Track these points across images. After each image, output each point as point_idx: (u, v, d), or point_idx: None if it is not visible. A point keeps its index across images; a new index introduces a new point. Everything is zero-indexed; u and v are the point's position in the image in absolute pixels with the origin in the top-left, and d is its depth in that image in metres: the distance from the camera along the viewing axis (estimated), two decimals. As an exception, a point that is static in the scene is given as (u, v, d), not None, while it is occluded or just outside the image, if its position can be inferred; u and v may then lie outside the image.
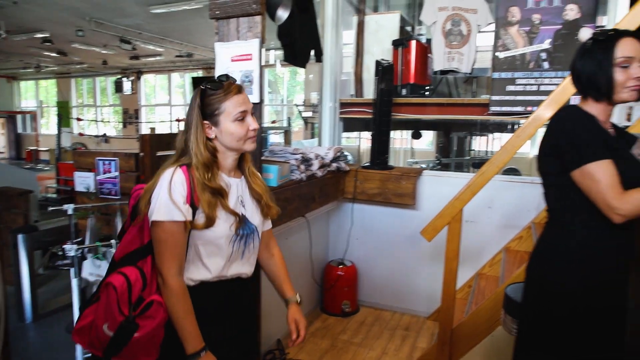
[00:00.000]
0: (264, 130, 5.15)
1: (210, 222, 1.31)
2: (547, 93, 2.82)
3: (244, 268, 1.46)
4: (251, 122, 1.38)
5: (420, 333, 3.29)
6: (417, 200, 3.42)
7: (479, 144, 6.30)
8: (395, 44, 3.68)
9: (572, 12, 2.99)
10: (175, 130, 11.87)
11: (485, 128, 4.49)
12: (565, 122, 1.42)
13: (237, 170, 1.47)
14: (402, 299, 3.62)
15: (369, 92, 3.85)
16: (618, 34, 1.39)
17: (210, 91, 1.35)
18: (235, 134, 1.36)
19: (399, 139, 7.57)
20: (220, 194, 1.34)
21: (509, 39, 3.14)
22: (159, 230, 1.27)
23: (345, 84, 4.23)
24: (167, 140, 4.51)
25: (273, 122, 11.54)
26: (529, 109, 3.09)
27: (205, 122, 1.35)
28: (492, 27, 3.29)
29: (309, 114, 7.92)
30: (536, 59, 3.10)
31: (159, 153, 4.07)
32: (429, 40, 3.84)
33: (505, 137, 4.07)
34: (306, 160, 2.87)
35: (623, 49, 1.36)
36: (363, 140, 5.33)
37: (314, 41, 3.44)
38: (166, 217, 1.25)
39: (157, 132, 11.86)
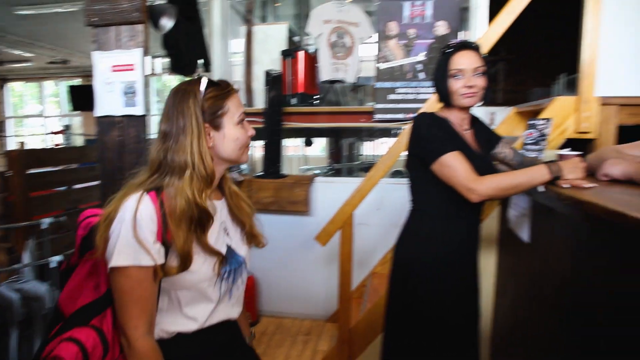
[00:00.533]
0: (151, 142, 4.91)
1: (186, 265, 1.04)
2: (424, 101, 3.07)
3: (232, 311, 1.22)
4: (249, 127, 1.19)
5: (321, 336, 3.37)
6: (311, 206, 3.50)
7: (368, 148, 6.64)
8: (284, 54, 3.74)
9: (441, 27, 3.29)
10: (50, 144, 10.78)
11: (372, 134, 4.75)
12: (421, 125, 1.64)
13: (217, 190, 1.22)
14: (302, 305, 3.67)
15: (260, 102, 3.87)
16: (456, 48, 1.62)
17: (211, 86, 1.12)
18: (240, 139, 1.14)
19: (292, 146, 7.69)
20: (202, 223, 1.07)
21: (389, 51, 3.36)
22: (121, 279, 0.99)
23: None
24: (40, 157, 4.11)
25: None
26: (408, 115, 3.33)
27: (205, 125, 1.09)
28: (375, 39, 3.50)
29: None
30: (413, 70, 3.35)
31: (31, 171, 3.69)
32: (317, 51, 3.97)
33: (391, 141, 4.34)
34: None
35: (456, 61, 1.60)
36: (256, 150, 5.32)
37: (201, 50, 3.38)
38: (130, 261, 0.98)
39: (28, 147, 10.69)
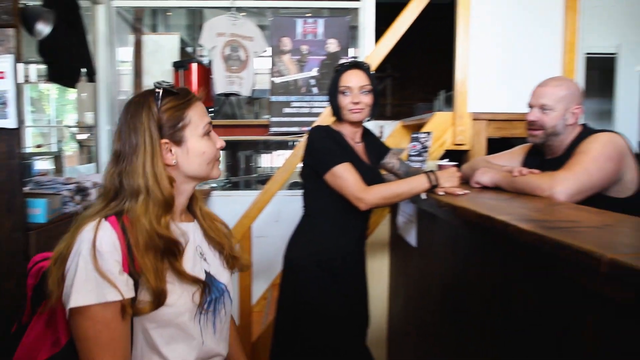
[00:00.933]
0: (27, 157, 4.45)
1: (160, 300, 0.89)
2: (318, 114, 3.17)
3: (219, 347, 1.05)
4: (217, 139, 1.06)
5: (222, 354, 3.28)
6: (209, 221, 3.42)
7: (265, 161, 6.65)
8: (176, 65, 3.63)
9: (332, 45, 3.44)
10: None
11: (269, 146, 4.78)
12: (315, 137, 1.73)
13: (186, 211, 1.08)
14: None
15: (152, 114, 3.70)
16: (346, 67, 1.75)
17: (168, 96, 0.97)
18: (208, 154, 1.01)
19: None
20: (172, 251, 0.93)
21: (283, 65, 3.43)
22: (83, 322, 0.83)
23: (124, 104, 3.97)
24: None
25: (38, 146, 10.00)
26: (304, 128, 3.42)
27: (164, 140, 0.95)
28: (269, 53, 3.55)
29: (85, 136, 7.14)
30: (307, 85, 3.46)
31: None
32: (211, 63, 3.91)
33: (288, 153, 4.41)
34: (82, 190, 2.59)
35: (345, 79, 1.73)
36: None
37: (83, 59, 3.16)
38: (93, 299, 0.82)
39: None
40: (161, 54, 3.89)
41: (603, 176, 1.47)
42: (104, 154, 3.51)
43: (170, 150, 0.97)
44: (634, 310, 0.72)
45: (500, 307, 1.19)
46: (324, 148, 1.69)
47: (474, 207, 1.21)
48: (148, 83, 3.78)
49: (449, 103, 3.16)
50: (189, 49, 4.87)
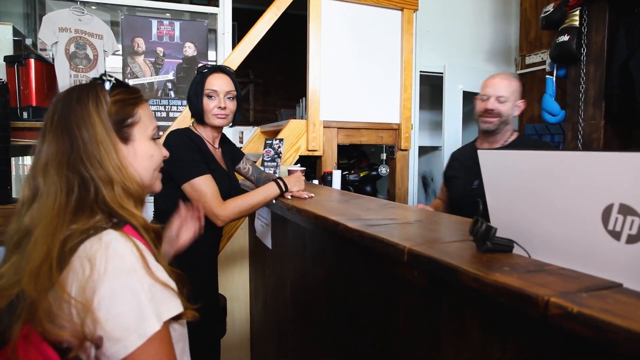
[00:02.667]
0: None
1: (185, 287, 0.84)
2: (175, 119, 3.10)
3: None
4: (162, 147, 0.96)
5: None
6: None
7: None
8: (10, 60, 3.24)
9: (190, 49, 3.39)
10: None
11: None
12: (173, 144, 1.65)
13: None
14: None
15: (-22, 114, 3.25)
16: (212, 70, 1.73)
17: (118, 89, 0.87)
18: (156, 158, 0.91)
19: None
20: (155, 244, 0.86)
21: (137, 67, 3.29)
22: (153, 350, 0.70)
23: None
24: None
25: None
26: (160, 133, 3.31)
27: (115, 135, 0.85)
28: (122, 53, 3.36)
29: None
30: (163, 88, 3.36)
31: None
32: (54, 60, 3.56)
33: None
34: None
35: (211, 82, 1.70)
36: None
37: None
38: (165, 316, 0.72)
39: None
40: (-10, 46, 3.44)
41: None
42: None
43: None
44: (431, 293, 0.89)
45: (339, 301, 1.33)
46: (186, 157, 1.63)
47: (313, 209, 1.33)
48: (-27, 78, 3.32)
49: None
50: (29, 41, 4.37)
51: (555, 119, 3.22)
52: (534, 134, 3.81)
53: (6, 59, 3.22)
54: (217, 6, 3.39)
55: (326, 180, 2.56)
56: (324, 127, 2.71)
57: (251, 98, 7.22)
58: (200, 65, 1.78)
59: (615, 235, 0.67)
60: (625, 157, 0.65)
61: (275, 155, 2.10)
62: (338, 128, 2.77)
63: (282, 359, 2.00)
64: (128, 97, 0.88)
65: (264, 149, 2.17)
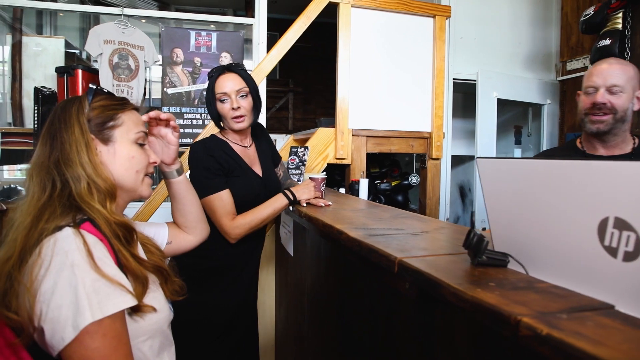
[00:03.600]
0: None
1: (145, 286, 0.86)
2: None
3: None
4: (152, 153, 1.02)
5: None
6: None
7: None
8: (60, 71, 3.45)
9: (226, 59, 3.48)
10: None
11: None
12: (193, 157, 1.65)
13: None
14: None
15: (31, 121, 3.47)
16: (219, 72, 1.66)
17: (101, 95, 0.96)
18: (137, 160, 0.97)
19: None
20: (127, 239, 0.89)
21: (175, 76, 3.40)
22: (93, 343, 0.73)
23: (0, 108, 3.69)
24: None
25: None
26: (195, 140, 3.40)
27: (91, 136, 0.91)
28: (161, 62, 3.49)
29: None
30: (200, 97, 3.45)
31: None
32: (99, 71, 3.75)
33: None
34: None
35: (220, 85, 1.64)
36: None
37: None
38: (110, 309, 0.75)
39: None
40: (44, 58, 3.68)
41: None
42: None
43: (96, 148, 0.93)
44: (423, 306, 0.85)
45: (347, 311, 1.31)
46: (204, 170, 1.60)
47: (322, 217, 1.32)
48: (29, 88, 3.55)
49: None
50: (82, 54, 4.63)
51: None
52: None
53: (57, 69, 3.43)
54: (253, 17, 3.46)
55: (353, 188, 2.54)
56: (352, 135, 2.69)
57: (290, 106, 7.31)
58: (210, 70, 1.71)
59: (612, 251, 0.63)
60: (618, 166, 0.61)
61: (300, 163, 2.11)
62: (367, 136, 2.75)
63: (300, 367, 1.99)
64: (110, 103, 0.97)
65: (289, 157, 2.18)
